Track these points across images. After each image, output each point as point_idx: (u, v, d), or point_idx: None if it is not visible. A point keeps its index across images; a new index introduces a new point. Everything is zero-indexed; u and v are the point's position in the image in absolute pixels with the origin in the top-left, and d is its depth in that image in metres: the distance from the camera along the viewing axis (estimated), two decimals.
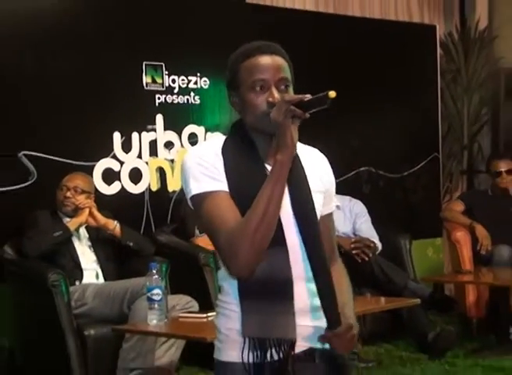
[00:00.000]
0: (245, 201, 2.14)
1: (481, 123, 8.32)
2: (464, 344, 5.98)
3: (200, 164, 2.19)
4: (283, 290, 2.20)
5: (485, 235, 6.52)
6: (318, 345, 2.26)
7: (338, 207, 6.09)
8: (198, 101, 6.32)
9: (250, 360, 2.18)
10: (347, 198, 6.36)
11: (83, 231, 5.29)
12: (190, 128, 6.26)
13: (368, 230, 6.22)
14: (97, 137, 5.82)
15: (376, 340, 5.99)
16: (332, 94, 2.09)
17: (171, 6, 6.25)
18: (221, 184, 2.18)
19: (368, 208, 6.38)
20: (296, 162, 2.23)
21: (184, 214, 5.80)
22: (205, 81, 6.34)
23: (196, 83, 6.31)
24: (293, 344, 2.20)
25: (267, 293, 2.18)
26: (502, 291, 5.98)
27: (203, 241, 5.48)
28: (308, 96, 2.12)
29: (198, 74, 6.31)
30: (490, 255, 6.47)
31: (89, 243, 5.28)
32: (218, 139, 2.30)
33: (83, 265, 5.17)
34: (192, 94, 6.29)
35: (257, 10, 6.94)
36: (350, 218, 6.27)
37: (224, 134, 2.35)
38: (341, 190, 6.22)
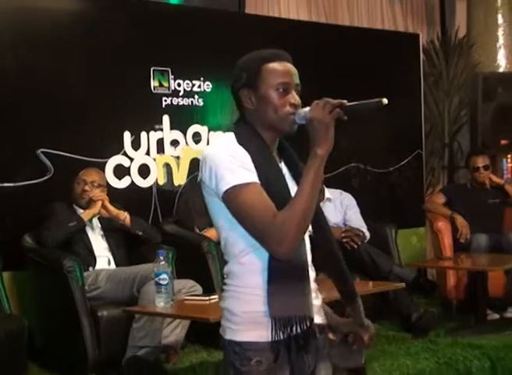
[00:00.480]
0: (272, 190, 2.16)
1: (461, 123, 8.30)
2: (445, 324, 5.96)
3: (233, 157, 2.16)
4: (302, 273, 2.24)
5: (465, 225, 6.51)
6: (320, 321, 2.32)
7: (329, 200, 6.17)
8: (201, 103, 6.31)
9: (277, 338, 2.18)
10: (338, 191, 6.35)
11: (95, 221, 5.28)
12: (194, 128, 6.25)
13: (357, 221, 6.20)
14: (109, 136, 5.82)
15: None
16: (385, 101, 2.13)
17: (176, 17, 6.27)
18: (255, 176, 2.16)
19: (357, 200, 6.36)
20: (295, 159, 2.33)
21: (184, 211, 5.80)
22: (208, 85, 6.33)
23: (199, 86, 6.31)
24: (312, 320, 2.23)
25: (291, 276, 2.19)
26: (479, 276, 5.97)
27: (209, 233, 5.49)
28: (345, 101, 2.16)
29: (201, 78, 6.30)
30: (469, 243, 6.46)
31: (101, 232, 5.27)
32: (228, 137, 2.28)
33: (96, 252, 5.17)
34: (196, 96, 6.28)
35: (255, 20, 6.95)
36: (341, 209, 6.25)
37: (224, 133, 2.33)
38: (332, 184, 6.34)
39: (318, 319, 2.31)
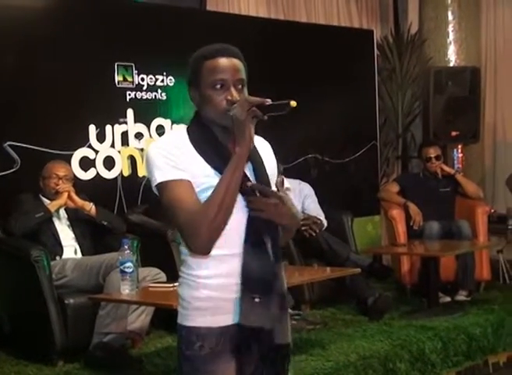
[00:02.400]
0: None
1: (414, 115, 8.36)
2: (399, 307, 5.99)
3: (163, 155, 2.16)
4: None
5: (417, 212, 6.54)
6: None
7: (288, 189, 6.14)
8: (165, 97, 6.27)
9: (215, 325, 2.17)
10: (297, 181, 6.33)
11: (62, 212, 5.21)
12: (158, 121, 6.21)
13: (315, 209, 6.20)
14: (75, 129, 5.75)
15: (322, 305, 5.99)
16: (293, 103, 2.08)
17: (140, 14, 6.22)
18: (182, 173, 2.14)
19: (315, 190, 6.36)
20: (254, 149, 2.23)
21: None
22: (171, 79, 6.29)
23: (162, 81, 6.26)
24: None
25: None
26: (432, 261, 5.99)
27: None
28: (269, 101, 2.10)
29: (164, 73, 6.26)
30: (421, 230, 6.50)
31: (68, 222, 5.21)
32: (178, 132, 2.27)
33: (63, 242, 5.10)
34: (159, 90, 6.24)
35: (216, 17, 6.92)
36: (300, 199, 6.23)
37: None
38: (291, 174, 6.34)
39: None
